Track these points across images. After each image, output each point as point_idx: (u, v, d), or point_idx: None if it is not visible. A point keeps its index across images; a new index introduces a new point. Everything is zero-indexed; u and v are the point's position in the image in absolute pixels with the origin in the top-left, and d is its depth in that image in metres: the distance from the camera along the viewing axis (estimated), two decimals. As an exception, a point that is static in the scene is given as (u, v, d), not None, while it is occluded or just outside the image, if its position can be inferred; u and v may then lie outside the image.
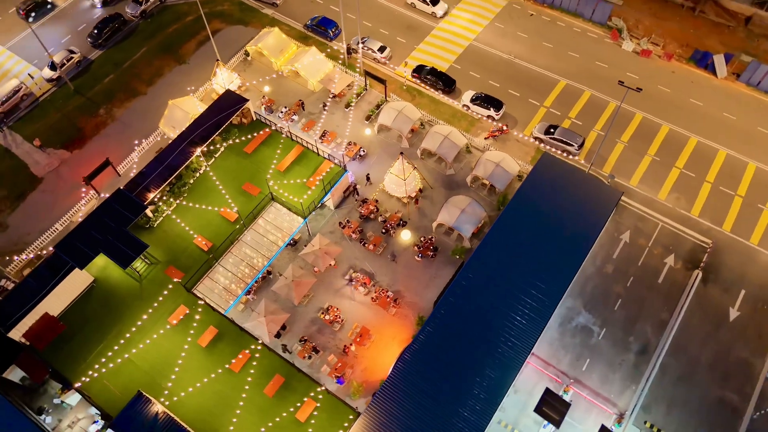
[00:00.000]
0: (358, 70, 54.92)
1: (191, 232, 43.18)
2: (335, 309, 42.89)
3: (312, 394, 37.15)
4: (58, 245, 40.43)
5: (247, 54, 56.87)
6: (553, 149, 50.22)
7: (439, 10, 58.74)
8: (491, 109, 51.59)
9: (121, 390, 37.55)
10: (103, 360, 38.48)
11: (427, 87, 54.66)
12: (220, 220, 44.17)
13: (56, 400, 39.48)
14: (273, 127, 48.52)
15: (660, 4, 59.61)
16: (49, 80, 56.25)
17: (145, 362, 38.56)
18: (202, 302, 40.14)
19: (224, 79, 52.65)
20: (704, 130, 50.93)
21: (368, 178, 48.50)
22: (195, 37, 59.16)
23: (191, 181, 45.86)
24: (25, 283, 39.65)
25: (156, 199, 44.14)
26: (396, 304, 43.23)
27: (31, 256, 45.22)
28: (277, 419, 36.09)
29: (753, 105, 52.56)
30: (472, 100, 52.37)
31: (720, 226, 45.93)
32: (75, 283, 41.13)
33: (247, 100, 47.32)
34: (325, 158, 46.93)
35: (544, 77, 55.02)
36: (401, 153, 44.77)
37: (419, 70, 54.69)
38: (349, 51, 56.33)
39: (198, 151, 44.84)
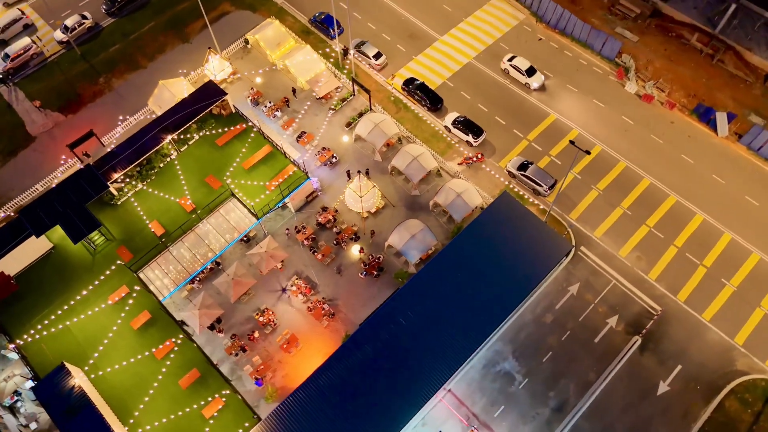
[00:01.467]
0: (345, 72, 54.90)
1: (145, 219, 45.07)
2: (270, 312, 44.25)
3: (220, 393, 38.84)
4: (21, 210, 43.09)
5: (246, 42, 57.58)
6: (523, 187, 49.29)
7: (534, 82, 53.30)
8: (470, 135, 50.83)
9: (54, 356, 40.32)
10: (43, 324, 41.23)
11: (415, 101, 54.19)
12: (178, 209, 45.85)
13: (3, 351, 42.68)
14: (248, 123, 49.41)
15: (678, 46, 56.51)
16: (60, 42, 58.71)
17: (81, 333, 41.14)
18: (140, 287, 42.10)
19: (215, 67, 53.70)
20: (687, 190, 48.73)
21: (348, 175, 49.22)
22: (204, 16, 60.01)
23: (161, 166, 47.56)
24: (-12, 243, 42.62)
25: (122, 179, 46.12)
26: (330, 317, 44.17)
27: (3, 215, 48.10)
28: (181, 413, 38.09)
29: (747, 170, 49.79)
30: (454, 123, 51.70)
31: (675, 294, 44.39)
32: (35, 247, 43.84)
33: (226, 94, 48.29)
34: (291, 162, 47.66)
35: (534, 108, 53.55)
36: (359, 171, 45.06)
37: (409, 83, 54.20)
38: (346, 53, 56.23)
39: (169, 138, 46.35)
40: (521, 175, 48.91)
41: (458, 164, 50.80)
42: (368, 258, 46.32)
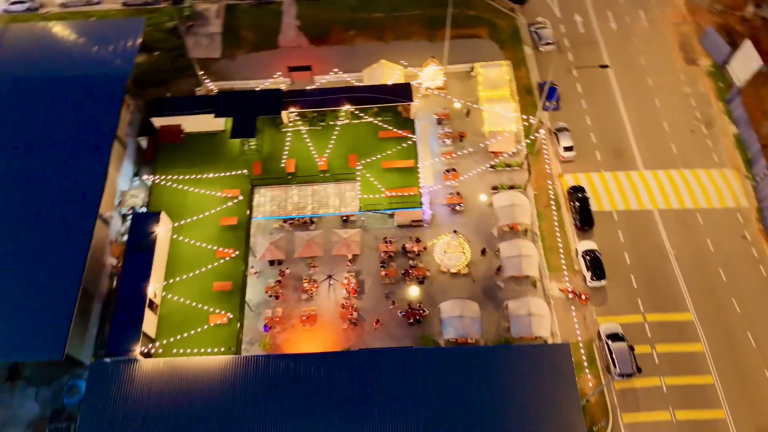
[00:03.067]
0: (528, 144, 54.22)
1: (286, 153, 51.72)
2: (315, 285, 48.30)
3: (232, 315, 44.52)
4: (219, 93, 52.92)
5: (472, 69, 59.99)
6: (601, 355, 44.87)
7: None
8: (590, 273, 47.38)
9: (164, 202, 49.91)
10: (174, 178, 50.83)
11: (568, 209, 51.80)
12: (314, 163, 51.58)
13: (144, 178, 53.59)
14: (413, 136, 52.35)
15: None
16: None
17: (190, 201, 49.95)
18: (245, 198, 49.29)
19: (428, 74, 57.47)
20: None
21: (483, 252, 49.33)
22: (458, 28, 63.46)
23: (329, 123, 53.59)
24: (186, 99, 53.66)
25: (296, 115, 53.20)
26: (352, 325, 46.72)
27: (213, 88, 58.96)
28: (195, 304, 44.72)
29: None
30: (584, 253, 48.49)
31: None
32: (212, 122, 53.40)
33: (412, 101, 51.92)
34: (418, 186, 49.91)
35: (681, 297, 47.30)
36: (455, 231, 45.72)
37: (576, 191, 51.81)
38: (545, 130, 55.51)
39: (347, 107, 51.92)
40: (606, 343, 44.47)
41: (559, 289, 47.95)
42: (417, 305, 47.23)
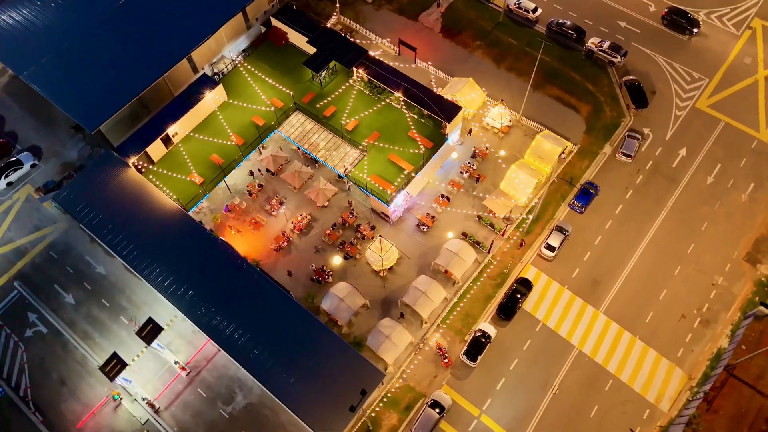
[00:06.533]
0: (526, 226, 55.55)
1: (329, 100, 59.30)
2: (278, 205, 57.35)
3: (206, 181, 55.71)
4: (327, 28, 61.56)
5: (540, 130, 60.53)
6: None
7: None
8: (468, 352, 49.66)
9: (232, 81, 61.39)
10: (252, 69, 61.63)
11: (505, 293, 53.02)
12: (340, 120, 58.55)
13: (240, 55, 65.08)
14: (423, 148, 56.31)
15: None
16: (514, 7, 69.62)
17: (246, 90, 60.65)
18: (279, 112, 58.91)
19: (494, 113, 59.82)
20: None
21: None
22: (565, 93, 63.20)
23: (382, 98, 59.60)
24: (303, 16, 63.15)
25: (366, 78, 59.88)
26: (277, 251, 55.43)
27: (330, 25, 67.45)
28: (188, 160, 56.52)
29: None
30: (477, 331, 50.44)
31: None
32: (309, 46, 62.38)
33: (448, 122, 55.60)
34: (404, 191, 54.71)
35: (526, 426, 47.76)
36: (380, 236, 50.68)
37: (521, 283, 52.72)
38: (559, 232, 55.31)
39: (398, 94, 57.29)
40: (428, 406, 47.64)
41: (436, 342, 51.07)
42: (328, 270, 54.07)
